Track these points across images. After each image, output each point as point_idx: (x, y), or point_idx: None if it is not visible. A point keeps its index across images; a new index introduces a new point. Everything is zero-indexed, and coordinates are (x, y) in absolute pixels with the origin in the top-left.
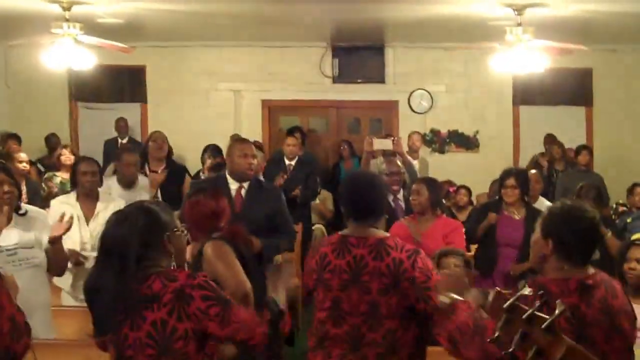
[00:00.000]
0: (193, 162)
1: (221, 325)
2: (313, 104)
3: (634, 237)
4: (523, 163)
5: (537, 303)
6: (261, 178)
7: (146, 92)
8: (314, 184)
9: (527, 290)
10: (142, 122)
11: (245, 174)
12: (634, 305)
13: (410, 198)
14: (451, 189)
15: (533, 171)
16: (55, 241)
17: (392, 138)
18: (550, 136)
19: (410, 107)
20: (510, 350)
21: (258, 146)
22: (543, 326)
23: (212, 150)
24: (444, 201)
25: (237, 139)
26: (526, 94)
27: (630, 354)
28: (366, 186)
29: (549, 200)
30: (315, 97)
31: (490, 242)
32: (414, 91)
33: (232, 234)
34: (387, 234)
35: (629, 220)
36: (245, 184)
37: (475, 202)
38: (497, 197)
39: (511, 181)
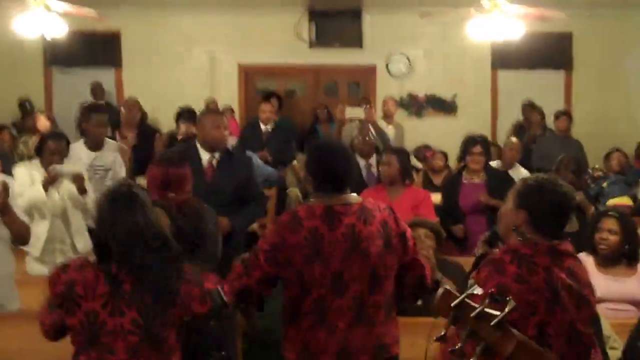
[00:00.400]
0: (169, 126)
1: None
2: (290, 68)
3: (611, 202)
4: (501, 127)
5: (487, 300)
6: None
7: (121, 57)
8: (289, 149)
9: (476, 290)
10: (117, 86)
11: (219, 145)
12: (603, 277)
13: (380, 168)
14: (428, 153)
15: (514, 139)
16: (3, 212)
17: (364, 106)
18: (529, 105)
19: (389, 71)
20: (458, 346)
21: (227, 114)
22: (492, 323)
23: (186, 114)
24: (420, 165)
25: (209, 110)
26: (505, 59)
27: (593, 328)
28: (343, 155)
29: (526, 167)
30: (292, 61)
31: (455, 213)
32: (392, 56)
33: (172, 201)
34: (361, 198)
35: (604, 185)
36: (217, 155)
37: (452, 166)
38: (462, 165)
39: (478, 148)
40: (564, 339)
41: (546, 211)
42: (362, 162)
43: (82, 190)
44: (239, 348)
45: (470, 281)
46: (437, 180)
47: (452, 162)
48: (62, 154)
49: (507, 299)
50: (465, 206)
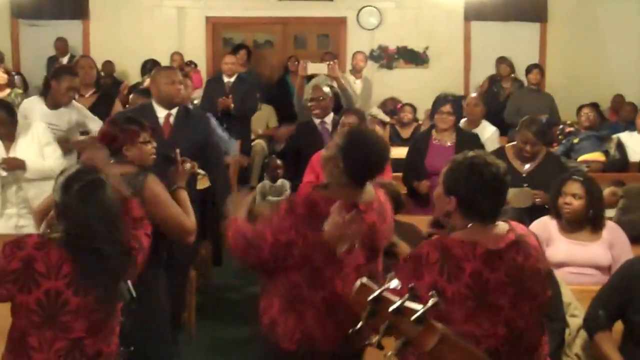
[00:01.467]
0: (136, 79)
1: None
2: (259, 20)
3: (581, 157)
4: (474, 81)
5: (407, 295)
6: (190, 106)
7: (89, 10)
8: (252, 100)
9: (394, 284)
10: (84, 39)
11: (174, 101)
12: (567, 241)
13: (339, 128)
14: (397, 106)
15: (473, 94)
16: None
17: (327, 63)
18: (499, 58)
19: (359, 23)
20: (376, 339)
21: (185, 73)
22: (412, 318)
23: (152, 67)
24: (387, 118)
25: (162, 67)
26: (478, 10)
27: (541, 315)
28: (386, 150)
29: (499, 123)
30: (261, 14)
31: (419, 171)
32: (362, 8)
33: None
34: (373, 191)
35: (575, 141)
36: (174, 112)
37: (421, 119)
38: (431, 124)
39: (447, 107)
40: (501, 338)
41: (477, 195)
42: (316, 120)
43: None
44: (192, 303)
45: (390, 274)
46: (405, 133)
47: (421, 115)
48: (4, 124)
49: (431, 293)
50: (432, 167)
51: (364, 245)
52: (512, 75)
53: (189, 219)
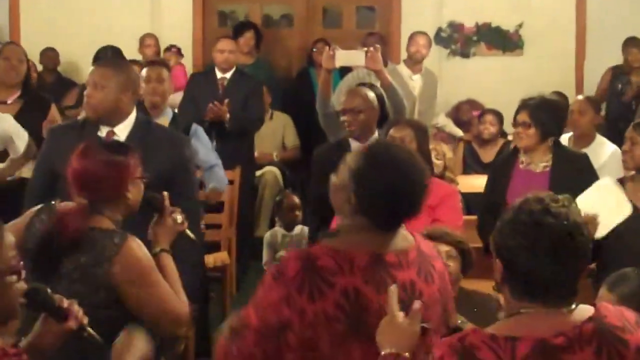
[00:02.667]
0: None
1: None
2: None
3: None
4: (591, 74)
5: None
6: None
7: None
8: (257, 107)
9: None
10: (12, 19)
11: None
12: None
13: None
14: (474, 113)
15: (579, 97)
16: None
17: (365, 49)
18: (631, 41)
19: None
20: None
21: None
22: None
23: (111, 55)
24: (460, 132)
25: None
26: None
27: None
28: (421, 173)
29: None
30: None
31: (499, 211)
32: None
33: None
34: (412, 237)
35: None
36: (129, 124)
37: (510, 133)
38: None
39: (522, 116)
40: None
41: (527, 261)
42: (354, 144)
43: None
44: None
45: None
46: (487, 154)
47: (511, 127)
48: None
49: None
50: (513, 201)
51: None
52: None
53: (182, 302)
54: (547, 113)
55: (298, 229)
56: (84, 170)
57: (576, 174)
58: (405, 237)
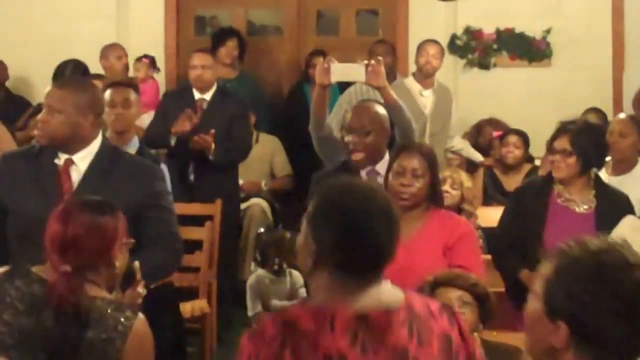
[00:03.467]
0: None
1: None
2: None
3: None
4: (632, 86)
5: None
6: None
7: None
8: (244, 133)
9: None
10: None
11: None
12: None
13: (399, 181)
14: (495, 134)
15: (621, 116)
16: None
17: (366, 62)
18: None
19: None
20: None
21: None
22: None
23: (73, 71)
24: (480, 157)
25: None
26: None
27: None
28: (385, 209)
29: None
30: None
31: (531, 249)
32: None
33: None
34: (401, 292)
35: None
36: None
37: (538, 158)
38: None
39: (562, 142)
40: None
41: (610, 322)
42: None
43: None
44: None
45: None
46: (511, 182)
47: (539, 151)
48: None
49: None
50: (552, 242)
51: None
52: None
53: None
54: (590, 140)
55: (292, 274)
56: (64, 235)
57: (618, 216)
58: (392, 293)
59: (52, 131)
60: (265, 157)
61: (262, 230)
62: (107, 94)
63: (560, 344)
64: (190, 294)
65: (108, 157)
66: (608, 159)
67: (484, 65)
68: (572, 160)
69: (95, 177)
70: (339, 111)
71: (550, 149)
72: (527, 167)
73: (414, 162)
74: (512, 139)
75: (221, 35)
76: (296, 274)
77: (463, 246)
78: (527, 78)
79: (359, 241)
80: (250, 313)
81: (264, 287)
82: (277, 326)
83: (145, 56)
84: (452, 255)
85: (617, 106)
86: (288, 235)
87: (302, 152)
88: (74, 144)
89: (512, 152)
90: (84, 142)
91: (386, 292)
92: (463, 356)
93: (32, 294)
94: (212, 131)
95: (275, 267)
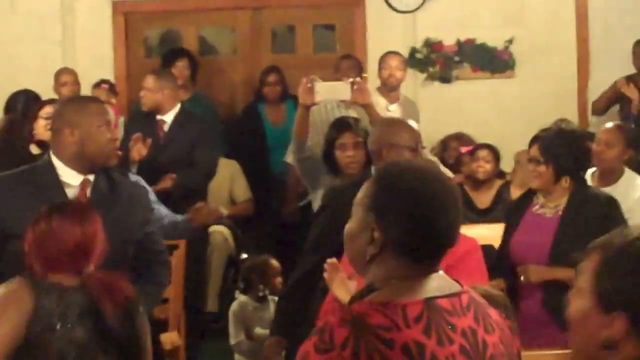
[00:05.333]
0: None
1: None
2: (208, 4)
3: None
4: (596, 96)
5: None
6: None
7: None
8: (207, 157)
9: None
10: None
11: (109, 157)
12: None
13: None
14: (462, 150)
15: (608, 125)
16: None
17: (351, 81)
18: None
19: (388, 3)
20: None
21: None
22: None
23: (26, 102)
24: (451, 175)
25: (81, 98)
26: None
27: None
28: (453, 194)
29: None
30: None
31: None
32: None
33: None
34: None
35: None
36: (91, 179)
37: (508, 172)
38: None
39: (533, 151)
40: None
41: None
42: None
43: None
44: None
45: None
46: (483, 199)
47: (506, 165)
48: None
49: None
50: (515, 253)
51: None
52: None
53: None
54: (562, 146)
55: (272, 300)
56: (84, 237)
57: (591, 219)
58: (448, 279)
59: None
60: (225, 182)
61: (244, 256)
62: None
63: (619, 335)
64: (157, 325)
65: (105, 178)
66: (593, 169)
67: (446, 79)
68: (542, 168)
69: (100, 195)
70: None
71: (530, 158)
72: (498, 183)
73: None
74: (483, 153)
75: (171, 56)
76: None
77: (467, 263)
78: (491, 90)
79: (430, 227)
80: (232, 341)
81: (248, 315)
82: (347, 328)
83: (104, 81)
84: (457, 273)
85: (583, 115)
86: (272, 261)
87: (260, 175)
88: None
89: (483, 166)
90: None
91: (446, 280)
92: (515, 349)
93: (72, 304)
94: (173, 176)
95: (260, 294)
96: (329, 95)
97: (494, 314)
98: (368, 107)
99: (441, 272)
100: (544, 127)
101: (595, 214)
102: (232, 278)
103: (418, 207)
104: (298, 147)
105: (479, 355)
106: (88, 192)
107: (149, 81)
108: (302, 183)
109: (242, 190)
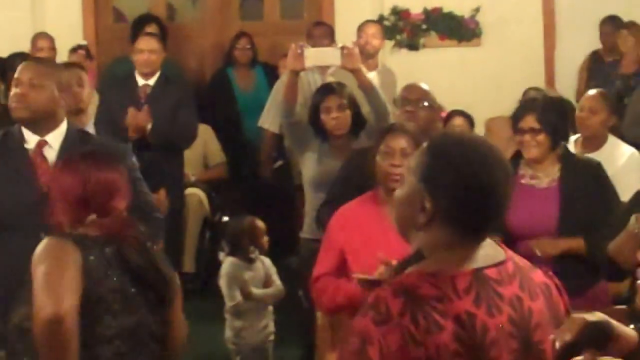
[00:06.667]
0: None
1: None
2: None
3: None
4: (563, 65)
5: None
6: (90, 128)
7: None
8: (189, 118)
9: None
10: None
11: (14, 111)
12: None
13: (388, 162)
14: (439, 116)
15: (591, 92)
16: None
17: (341, 46)
18: (610, 21)
19: None
20: None
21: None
22: None
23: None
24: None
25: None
26: None
27: None
28: (505, 168)
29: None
30: None
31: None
32: None
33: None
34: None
35: None
36: (54, 137)
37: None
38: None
39: (529, 121)
40: None
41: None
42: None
43: None
44: None
45: None
46: None
47: (479, 129)
48: None
49: None
50: (518, 227)
51: (515, 335)
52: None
53: None
54: (557, 114)
55: (261, 260)
56: (85, 186)
57: (587, 185)
58: (494, 246)
59: (33, 105)
60: (198, 146)
61: (226, 219)
62: None
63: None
64: None
65: (77, 137)
66: (577, 136)
67: (413, 47)
68: (541, 137)
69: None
70: (276, 96)
71: (516, 129)
72: None
73: (402, 142)
74: (458, 121)
75: (140, 22)
76: (267, 260)
77: None
78: (457, 58)
79: (482, 197)
80: (230, 303)
81: (241, 275)
82: (401, 298)
83: (80, 46)
84: None
85: (549, 84)
86: (258, 221)
87: (231, 139)
88: (47, 122)
89: None
90: (57, 122)
91: (491, 246)
92: (562, 309)
93: (104, 254)
94: (145, 107)
95: (252, 255)
96: (319, 61)
97: (537, 276)
98: (358, 72)
99: (488, 239)
100: (511, 95)
101: (589, 179)
102: (208, 239)
103: (471, 179)
104: (287, 111)
105: (525, 323)
106: (45, 151)
107: (153, 43)
108: (289, 146)
109: (215, 154)
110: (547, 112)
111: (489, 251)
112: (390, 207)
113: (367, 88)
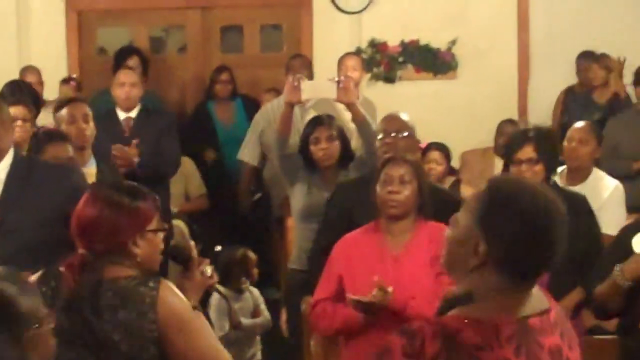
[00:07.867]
0: None
1: None
2: (159, 4)
3: None
4: (536, 97)
5: None
6: (91, 165)
7: None
8: (172, 148)
9: None
10: None
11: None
12: None
13: (386, 189)
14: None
15: (580, 124)
16: None
17: (337, 80)
18: (586, 55)
19: (334, 2)
20: None
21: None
22: None
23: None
24: None
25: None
26: None
27: None
28: (561, 219)
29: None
30: None
31: None
32: None
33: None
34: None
35: None
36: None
37: (458, 169)
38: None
39: (527, 151)
40: None
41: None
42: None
43: None
44: None
45: None
46: None
47: (452, 164)
48: None
49: None
50: None
51: None
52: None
53: (229, 356)
54: (552, 146)
55: (249, 291)
56: (83, 215)
57: (572, 221)
58: (540, 295)
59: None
60: (179, 178)
61: (219, 248)
62: (66, 110)
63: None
64: None
65: (24, 165)
66: (562, 168)
67: (390, 79)
68: (539, 167)
69: (16, 185)
70: (255, 129)
71: (513, 160)
72: (450, 180)
73: (400, 170)
74: (434, 155)
75: (122, 54)
76: (255, 290)
77: None
78: (433, 91)
79: (540, 247)
80: (220, 333)
81: (230, 306)
82: (439, 342)
83: (72, 79)
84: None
85: (523, 116)
86: (250, 252)
87: (211, 171)
88: None
89: (435, 169)
90: (2, 155)
91: (538, 293)
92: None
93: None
94: (135, 141)
95: (243, 286)
96: (315, 93)
97: (571, 327)
98: (352, 106)
99: (536, 287)
100: (485, 127)
101: (573, 215)
102: None
103: (532, 230)
104: (280, 144)
105: None
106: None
107: (132, 76)
108: (268, 179)
109: (196, 185)
110: (544, 143)
111: (536, 300)
112: (390, 235)
113: (360, 122)
